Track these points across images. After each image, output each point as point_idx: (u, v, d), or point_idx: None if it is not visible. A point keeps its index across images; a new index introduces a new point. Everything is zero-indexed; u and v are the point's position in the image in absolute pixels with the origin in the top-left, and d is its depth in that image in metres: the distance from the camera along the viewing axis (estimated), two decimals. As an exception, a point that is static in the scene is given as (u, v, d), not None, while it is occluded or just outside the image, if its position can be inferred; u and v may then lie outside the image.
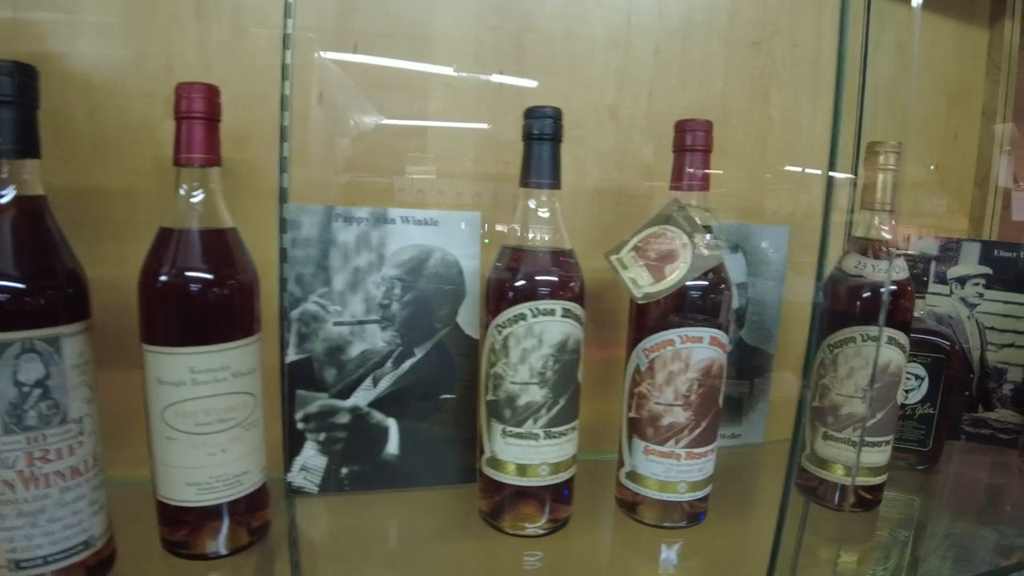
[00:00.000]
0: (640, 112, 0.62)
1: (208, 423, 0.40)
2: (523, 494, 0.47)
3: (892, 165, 0.51)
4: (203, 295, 0.39)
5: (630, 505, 0.51)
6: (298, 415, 0.50)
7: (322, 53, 0.52)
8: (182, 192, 0.40)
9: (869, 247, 0.53)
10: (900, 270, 0.53)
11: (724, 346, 0.48)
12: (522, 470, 0.46)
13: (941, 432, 0.62)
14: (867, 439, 0.53)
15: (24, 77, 0.34)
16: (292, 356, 0.49)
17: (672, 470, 0.48)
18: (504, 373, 0.45)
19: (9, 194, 0.34)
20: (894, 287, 0.52)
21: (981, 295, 0.70)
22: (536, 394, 0.45)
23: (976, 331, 0.70)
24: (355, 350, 0.50)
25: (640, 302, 0.47)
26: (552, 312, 0.44)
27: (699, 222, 0.47)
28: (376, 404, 0.51)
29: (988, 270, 0.70)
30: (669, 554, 0.49)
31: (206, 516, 0.41)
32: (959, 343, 0.64)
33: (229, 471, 0.41)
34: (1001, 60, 0.76)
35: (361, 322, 0.50)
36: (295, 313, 0.49)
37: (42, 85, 0.36)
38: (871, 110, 0.56)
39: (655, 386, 0.48)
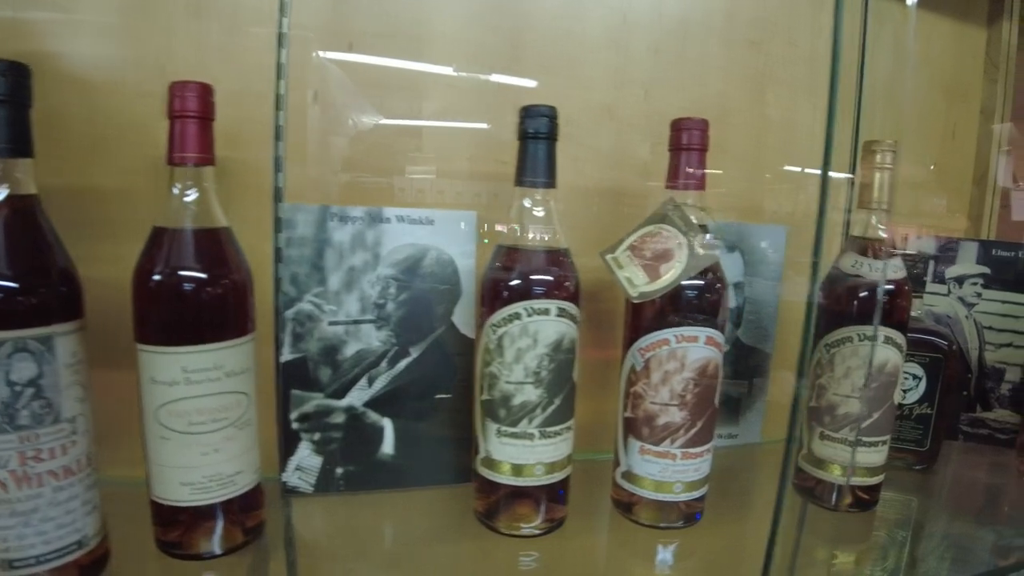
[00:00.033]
0: (637, 111, 0.61)
1: (201, 423, 0.40)
2: (518, 494, 0.47)
3: (889, 164, 0.51)
4: (196, 294, 0.39)
5: (626, 505, 0.51)
6: (293, 415, 0.50)
7: (318, 52, 0.52)
8: (176, 191, 0.40)
9: (866, 246, 0.53)
10: (897, 269, 0.53)
11: (720, 346, 0.48)
12: (517, 470, 0.46)
13: (939, 432, 0.62)
14: (864, 439, 0.53)
15: (17, 76, 0.34)
16: (287, 356, 0.49)
17: (668, 470, 0.48)
18: (499, 373, 0.45)
19: (1, 193, 0.34)
20: (891, 286, 0.52)
21: (979, 295, 0.70)
22: (531, 394, 0.45)
23: (974, 331, 0.70)
24: (350, 350, 0.50)
25: (635, 301, 0.47)
26: (547, 311, 0.44)
27: (695, 221, 0.47)
28: (371, 404, 0.51)
29: (986, 270, 0.69)
30: (665, 554, 0.49)
31: (200, 516, 0.41)
32: (957, 343, 0.64)
33: (223, 471, 0.41)
34: (999, 59, 0.76)
35: (356, 322, 0.50)
36: (290, 313, 0.49)
37: (38, 84, 0.36)
38: (868, 109, 0.56)
39: (651, 386, 0.48)
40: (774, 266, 0.64)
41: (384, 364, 0.51)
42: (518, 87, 0.58)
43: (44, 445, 0.35)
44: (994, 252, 0.69)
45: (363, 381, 0.51)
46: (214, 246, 0.41)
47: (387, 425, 0.52)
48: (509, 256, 0.46)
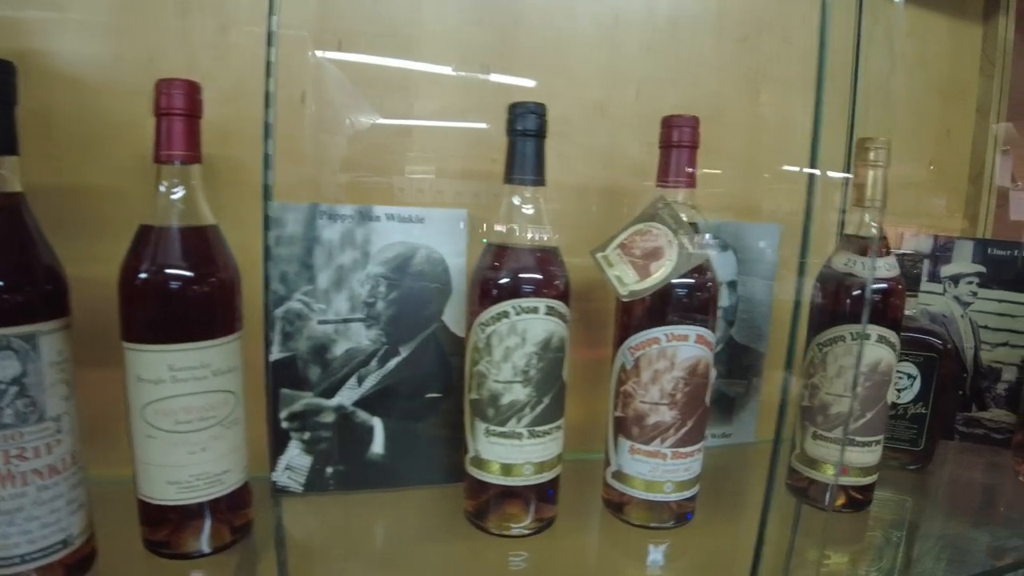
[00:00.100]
0: (629, 109, 0.61)
1: (188, 421, 0.40)
2: (508, 494, 0.47)
3: (882, 161, 0.50)
4: (182, 292, 0.39)
5: (617, 505, 0.51)
6: (282, 414, 0.50)
7: (308, 51, 0.52)
8: (162, 189, 0.40)
9: (859, 244, 0.52)
10: (891, 268, 0.53)
11: (710, 344, 0.48)
12: (506, 470, 0.46)
13: (933, 432, 0.62)
14: (857, 439, 0.52)
15: (2, 74, 0.34)
16: (276, 355, 0.49)
17: (658, 470, 0.48)
18: (487, 371, 0.45)
19: (-15, 191, 0.34)
20: (884, 285, 0.52)
21: (975, 294, 0.69)
22: (519, 393, 0.45)
23: (970, 330, 0.70)
24: (340, 349, 0.50)
25: (625, 300, 0.47)
26: (535, 310, 0.44)
27: (685, 219, 0.47)
28: (361, 403, 0.51)
29: (982, 268, 0.69)
30: (656, 555, 0.48)
31: (187, 515, 0.41)
32: (952, 342, 0.63)
33: (210, 470, 0.41)
34: (995, 56, 0.76)
35: (346, 320, 0.50)
36: (279, 311, 0.49)
37: (28, 82, 0.36)
38: (863, 107, 0.56)
39: (640, 384, 0.47)
40: (768, 265, 0.64)
41: (374, 363, 0.51)
42: (509, 85, 0.57)
43: (28, 444, 0.35)
44: (990, 251, 0.69)
45: (353, 380, 0.51)
46: (201, 244, 0.41)
47: (377, 424, 0.52)
48: (498, 254, 0.46)
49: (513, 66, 0.57)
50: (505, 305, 0.44)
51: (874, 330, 0.51)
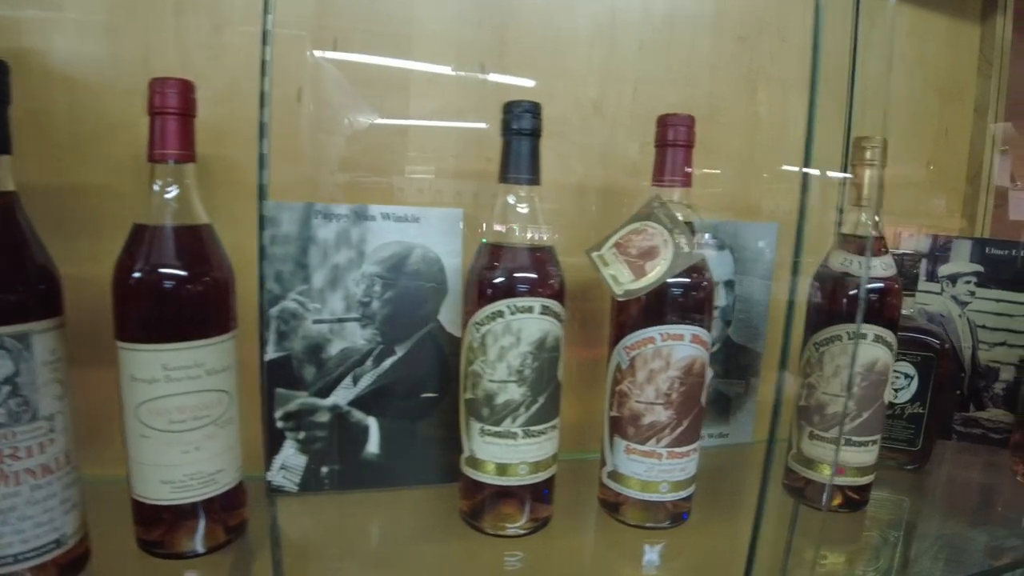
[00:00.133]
0: (625, 108, 0.61)
1: (182, 420, 0.40)
2: (503, 494, 0.47)
3: (877, 160, 0.50)
4: (176, 291, 0.39)
5: (612, 505, 0.51)
6: (278, 414, 0.50)
7: (304, 50, 0.51)
8: (156, 188, 0.40)
9: (855, 244, 0.52)
10: (887, 267, 0.53)
11: (706, 344, 0.48)
12: (501, 469, 0.46)
13: (931, 431, 0.62)
14: (853, 439, 0.52)
15: (-7, 73, 0.34)
16: (271, 354, 0.49)
17: (654, 469, 0.48)
18: (482, 371, 0.45)
19: (-22, 190, 0.34)
20: (881, 284, 0.52)
21: (972, 293, 0.69)
22: (514, 392, 0.45)
23: (967, 329, 0.70)
24: (335, 348, 0.50)
25: (620, 299, 0.46)
26: (530, 309, 0.44)
27: (680, 219, 0.47)
28: (356, 403, 0.51)
29: (979, 268, 0.69)
30: (652, 555, 0.48)
31: (181, 515, 0.41)
32: (949, 341, 0.63)
33: (203, 469, 0.41)
34: (993, 56, 0.76)
35: (341, 320, 0.50)
36: (274, 311, 0.49)
37: (23, 82, 0.36)
38: (860, 106, 0.56)
39: (636, 384, 0.47)
40: (765, 264, 0.64)
41: (369, 363, 0.51)
42: (505, 84, 0.57)
43: (21, 443, 0.35)
44: (988, 250, 0.69)
45: (348, 380, 0.51)
46: (194, 243, 0.41)
47: (372, 424, 0.52)
48: (493, 254, 0.46)
49: (510, 65, 0.57)
50: (500, 304, 0.44)
51: (870, 329, 0.51)
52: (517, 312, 0.44)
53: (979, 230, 0.79)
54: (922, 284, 0.70)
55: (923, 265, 0.70)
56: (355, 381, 0.51)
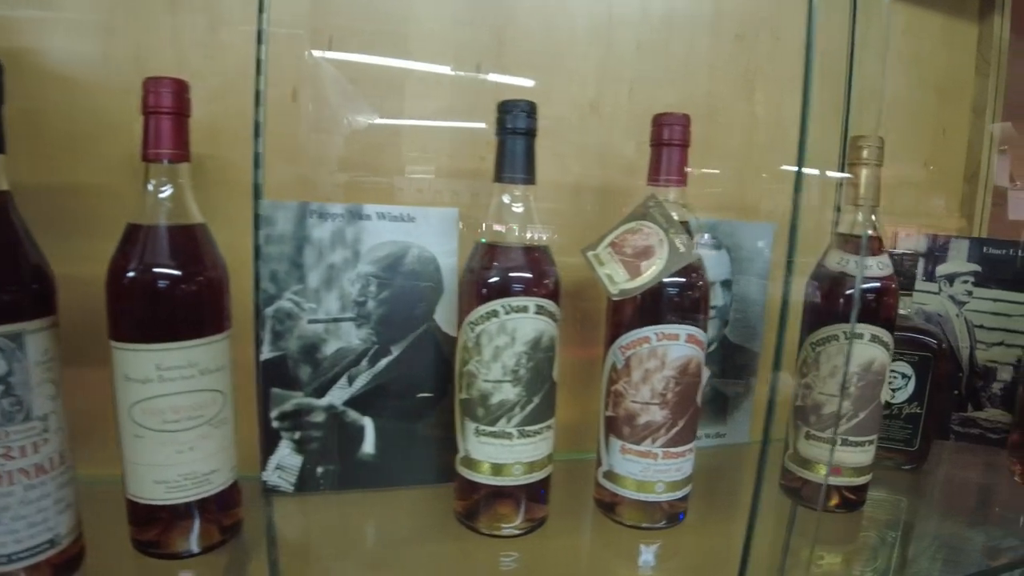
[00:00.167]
0: (622, 108, 0.61)
1: (176, 420, 0.40)
2: (498, 494, 0.47)
3: (874, 160, 0.50)
4: (170, 291, 0.39)
5: (608, 505, 0.51)
6: (273, 413, 0.50)
7: (300, 49, 0.51)
8: (150, 188, 0.40)
9: (852, 243, 0.52)
10: (884, 266, 0.53)
11: (701, 344, 0.48)
12: (496, 469, 0.46)
13: (928, 431, 0.62)
14: (850, 439, 0.52)
15: (-13, 72, 0.34)
16: (267, 354, 0.49)
17: (649, 470, 0.48)
18: (477, 371, 0.45)
19: (-29, 190, 0.34)
20: (877, 284, 0.52)
21: (970, 293, 0.69)
22: (509, 392, 0.45)
23: (965, 329, 0.70)
24: (330, 348, 0.50)
25: (616, 299, 0.46)
26: (525, 309, 0.44)
27: (676, 218, 0.47)
28: (352, 403, 0.51)
29: (977, 268, 0.69)
30: (648, 555, 0.48)
31: (176, 515, 0.41)
32: (947, 341, 0.63)
33: (198, 469, 0.41)
34: (991, 55, 0.75)
35: (336, 320, 0.50)
36: (269, 310, 0.49)
37: (18, 81, 0.36)
38: (857, 105, 0.56)
39: (631, 384, 0.47)
40: (762, 264, 0.64)
41: (365, 363, 0.51)
42: (502, 83, 0.57)
43: (14, 443, 0.35)
44: (986, 250, 0.69)
45: (343, 380, 0.51)
46: (189, 243, 0.41)
47: (368, 424, 0.52)
48: (488, 253, 0.46)
49: (507, 65, 0.57)
50: (494, 304, 0.44)
51: (867, 329, 0.51)
52: (512, 312, 0.44)
53: (977, 230, 0.78)
54: (920, 284, 0.69)
55: (921, 264, 0.70)
56: (351, 381, 0.51)
